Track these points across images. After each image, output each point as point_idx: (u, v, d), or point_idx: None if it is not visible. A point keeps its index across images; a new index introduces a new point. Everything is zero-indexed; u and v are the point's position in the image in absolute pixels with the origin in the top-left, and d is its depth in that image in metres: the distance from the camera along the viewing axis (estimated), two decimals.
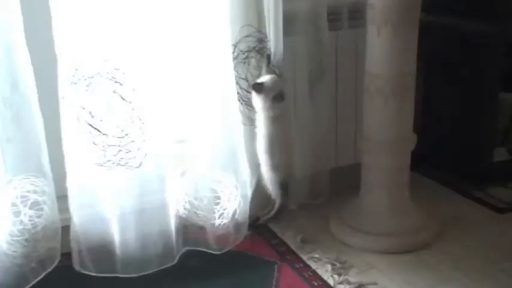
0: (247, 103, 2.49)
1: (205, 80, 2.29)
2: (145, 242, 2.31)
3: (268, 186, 2.53)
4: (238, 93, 2.43)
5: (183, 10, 2.22)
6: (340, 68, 2.78)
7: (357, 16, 2.74)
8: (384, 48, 2.37)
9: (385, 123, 2.45)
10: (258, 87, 2.38)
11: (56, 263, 2.27)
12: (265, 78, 2.42)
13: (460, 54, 2.88)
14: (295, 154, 2.55)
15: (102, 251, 2.28)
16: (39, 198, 2.18)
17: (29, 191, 2.15)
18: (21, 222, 2.16)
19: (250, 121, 2.51)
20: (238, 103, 2.42)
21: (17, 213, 2.15)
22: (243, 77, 2.47)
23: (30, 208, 2.17)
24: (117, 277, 2.28)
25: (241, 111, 2.45)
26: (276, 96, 2.39)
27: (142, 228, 2.31)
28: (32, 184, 2.15)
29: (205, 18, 2.24)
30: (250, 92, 2.46)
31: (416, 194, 2.66)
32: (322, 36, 2.61)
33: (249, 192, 2.48)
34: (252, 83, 2.45)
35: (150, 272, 2.29)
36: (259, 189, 2.55)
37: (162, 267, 2.31)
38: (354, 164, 2.76)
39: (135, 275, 2.28)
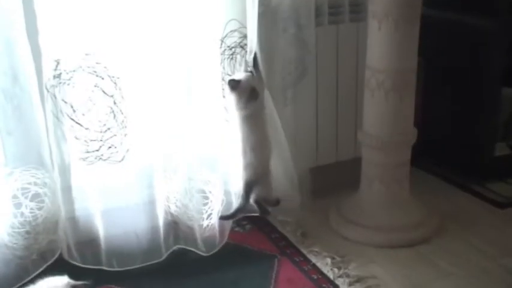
0: None
1: (190, 75, 2.28)
2: (129, 237, 2.32)
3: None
4: (224, 89, 2.40)
5: (167, 2, 2.19)
6: (341, 62, 2.78)
7: (358, 9, 2.73)
8: (385, 43, 2.36)
9: (385, 118, 2.45)
10: (234, 84, 2.32)
11: (56, 255, 2.29)
12: (241, 75, 2.38)
13: (461, 49, 2.88)
14: (269, 153, 2.48)
15: (88, 244, 2.30)
16: (40, 190, 2.19)
17: (29, 183, 2.16)
18: (22, 214, 2.17)
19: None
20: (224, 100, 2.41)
21: (18, 205, 2.16)
22: (229, 73, 2.43)
23: (31, 200, 2.18)
24: (116, 272, 2.29)
25: (226, 109, 2.42)
26: (250, 94, 2.34)
27: (127, 223, 2.32)
28: (33, 176, 2.16)
29: (191, 11, 2.22)
30: None
31: (416, 188, 2.66)
32: (305, 34, 2.57)
33: (232, 191, 2.46)
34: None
35: (136, 266, 2.31)
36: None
37: (148, 263, 2.32)
38: (354, 159, 2.76)
39: (121, 269, 2.29)
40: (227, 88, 2.34)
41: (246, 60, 2.42)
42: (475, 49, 2.82)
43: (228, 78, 2.36)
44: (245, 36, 2.41)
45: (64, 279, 1.90)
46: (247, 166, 2.41)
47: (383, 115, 2.45)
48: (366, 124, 2.53)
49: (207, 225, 2.38)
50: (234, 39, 2.42)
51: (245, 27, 2.40)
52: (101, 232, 2.29)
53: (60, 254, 2.30)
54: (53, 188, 2.22)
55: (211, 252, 2.40)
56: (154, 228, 2.35)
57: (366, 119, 2.53)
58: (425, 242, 2.50)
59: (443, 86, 3.00)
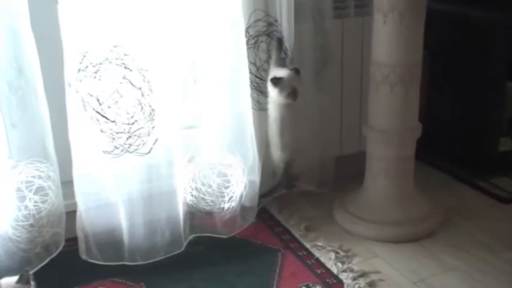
0: (255, 88, 2.50)
1: (216, 64, 2.29)
2: (153, 229, 2.32)
3: (275, 165, 2.58)
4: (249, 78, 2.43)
5: None
6: (346, 56, 2.77)
7: (363, 4, 2.73)
8: (390, 37, 2.36)
9: (390, 112, 2.44)
10: (276, 81, 2.40)
11: (60, 248, 2.28)
12: (283, 73, 2.42)
13: (467, 43, 2.87)
14: (304, 138, 2.58)
15: (109, 238, 2.29)
16: (44, 184, 2.18)
17: (34, 176, 2.16)
18: (26, 207, 2.17)
19: (258, 105, 2.52)
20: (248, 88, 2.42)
21: (21, 198, 2.16)
22: (252, 61, 2.47)
23: (35, 193, 2.18)
24: (123, 265, 2.28)
25: (251, 96, 2.44)
26: (290, 93, 2.41)
27: (150, 214, 2.31)
28: (37, 169, 2.16)
29: (217, 2, 2.23)
30: (258, 77, 2.48)
31: (420, 183, 2.66)
32: (326, 24, 2.60)
33: (256, 178, 2.47)
34: (259, 66, 2.47)
35: (158, 259, 2.30)
36: (264, 170, 2.56)
37: (169, 255, 2.32)
38: (359, 153, 2.76)
39: (142, 263, 2.29)
40: (269, 84, 2.42)
41: (282, 47, 2.46)
42: (480, 43, 2.81)
43: (271, 76, 2.43)
44: (270, 24, 2.45)
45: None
46: (286, 146, 2.51)
47: (388, 109, 2.44)
48: (370, 118, 2.53)
49: (228, 208, 2.39)
50: (258, 27, 2.45)
51: (270, 16, 2.45)
52: (123, 225, 2.27)
53: (64, 247, 2.29)
54: (57, 181, 2.22)
55: (231, 235, 2.42)
56: (174, 218, 2.34)
57: (371, 113, 2.52)
58: (429, 236, 2.50)
59: (448, 80, 3.00)
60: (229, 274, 2.27)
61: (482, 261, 2.34)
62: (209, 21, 2.24)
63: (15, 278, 1.87)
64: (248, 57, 2.41)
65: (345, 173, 2.79)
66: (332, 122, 2.84)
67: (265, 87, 2.48)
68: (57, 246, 2.28)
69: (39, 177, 2.17)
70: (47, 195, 2.20)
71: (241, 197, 2.42)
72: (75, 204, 2.25)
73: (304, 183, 2.70)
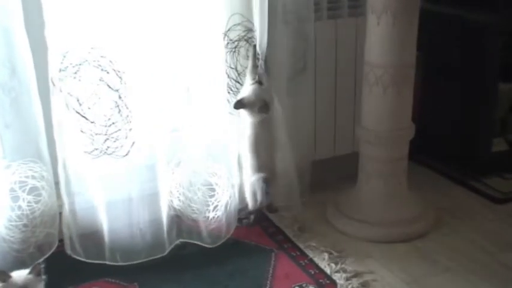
0: (235, 93, 2.46)
1: (195, 69, 2.28)
2: (134, 231, 2.32)
3: (249, 187, 2.50)
4: (227, 83, 2.41)
5: None
6: (340, 56, 2.77)
7: (356, 4, 2.73)
8: (384, 38, 2.36)
9: (383, 113, 2.45)
10: (239, 105, 2.36)
11: (53, 249, 2.28)
12: (246, 91, 2.38)
13: (460, 44, 2.88)
14: (277, 154, 2.52)
15: (92, 238, 2.30)
16: (38, 184, 2.18)
17: (27, 176, 2.16)
18: (20, 207, 2.17)
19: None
20: (226, 92, 2.40)
21: (15, 199, 2.16)
22: (232, 66, 2.44)
23: (29, 193, 2.18)
24: (116, 265, 2.29)
25: (229, 101, 2.42)
26: (261, 108, 2.36)
27: (132, 217, 2.32)
28: (30, 169, 2.16)
29: (195, 5, 2.21)
30: (239, 82, 2.44)
31: (413, 183, 2.67)
32: (306, 27, 2.58)
33: (236, 184, 2.47)
34: (240, 71, 2.43)
35: (140, 261, 2.30)
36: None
37: (151, 258, 2.32)
38: (352, 153, 2.76)
39: (125, 264, 2.29)
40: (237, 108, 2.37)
41: (256, 54, 2.42)
42: (472, 44, 2.82)
43: (233, 100, 2.39)
44: (249, 30, 2.41)
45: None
46: (262, 167, 2.45)
47: (381, 110, 2.45)
48: (364, 119, 2.53)
49: (213, 217, 2.38)
50: (238, 32, 2.42)
51: (249, 21, 2.40)
52: (105, 225, 2.28)
53: (57, 247, 2.29)
54: (50, 182, 2.22)
55: (217, 244, 2.40)
56: (157, 222, 2.34)
57: (364, 114, 2.53)
58: (422, 236, 2.51)
59: (442, 81, 3.00)
60: (222, 275, 2.28)
61: (475, 261, 2.35)
62: (187, 25, 2.22)
63: (26, 271, 1.92)
64: (228, 61, 2.40)
65: (339, 174, 2.80)
66: (326, 123, 2.84)
67: None
68: (51, 246, 2.28)
69: (33, 177, 2.17)
70: (40, 195, 2.20)
71: (226, 206, 2.40)
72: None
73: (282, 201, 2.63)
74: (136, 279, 2.24)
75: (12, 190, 2.15)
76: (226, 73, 2.40)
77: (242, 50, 2.43)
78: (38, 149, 2.16)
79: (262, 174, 2.45)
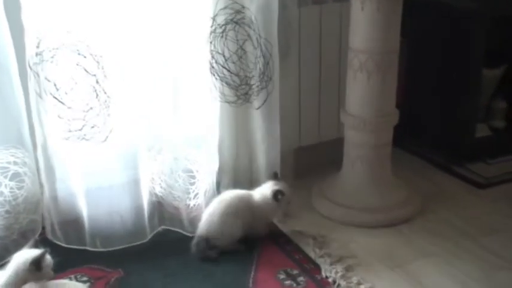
0: (221, 78, 2.40)
1: (177, 54, 2.25)
2: (114, 218, 2.32)
3: None
4: (213, 67, 2.38)
5: None
6: (324, 42, 2.76)
7: None
8: (368, 23, 2.36)
9: (368, 99, 2.45)
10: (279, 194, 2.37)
11: (37, 235, 2.27)
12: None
13: (444, 30, 2.88)
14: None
15: (73, 224, 2.30)
16: (20, 170, 2.17)
17: (9, 162, 2.14)
18: (2, 193, 2.16)
19: (223, 97, 2.43)
20: (213, 78, 2.38)
21: None
22: (220, 51, 2.38)
23: (11, 180, 2.16)
24: (99, 251, 2.30)
25: (215, 87, 2.40)
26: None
27: (112, 203, 2.31)
28: (12, 155, 2.14)
29: None
30: (226, 68, 2.39)
31: (397, 169, 2.68)
32: (290, 13, 2.56)
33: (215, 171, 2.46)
34: (228, 57, 2.38)
35: (122, 247, 2.31)
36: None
37: (132, 244, 2.33)
38: (337, 139, 2.77)
39: (108, 250, 2.29)
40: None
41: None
42: (457, 30, 2.82)
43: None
44: (237, 12, 2.34)
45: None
46: None
47: (365, 96, 2.45)
48: (348, 105, 2.53)
49: (194, 205, 2.37)
50: (225, 16, 2.34)
51: (236, 2, 2.33)
52: (85, 212, 2.28)
53: (41, 234, 2.28)
54: (33, 168, 2.20)
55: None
56: (138, 209, 2.34)
57: (349, 99, 2.53)
58: (406, 222, 2.52)
59: (426, 67, 3.01)
60: (206, 261, 2.27)
61: (458, 246, 2.36)
62: (168, 7, 2.19)
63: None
64: (215, 46, 2.36)
65: (323, 160, 2.80)
66: (310, 109, 2.83)
67: (232, 80, 2.41)
68: (34, 233, 2.27)
69: (15, 163, 2.15)
70: (23, 181, 2.19)
71: (205, 193, 2.39)
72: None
73: None
74: (120, 265, 2.23)
75: None
76: (214, 58, 2.36)
77: (231, 34, 2.37)
78: (20, 134, 2.15)
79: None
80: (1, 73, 2.06)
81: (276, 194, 2.35)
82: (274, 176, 2.43)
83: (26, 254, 1.91)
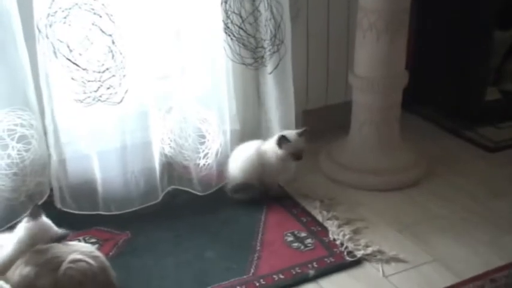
0: (238, 40, 2.40)
1: (190, 12, 2.23)
2: (127, 180, 2.31)
3: None
4: (229, 28, 2.36)
5: None
6: (332, 2, 2.73)
7: None
8: None
9: (377, 60, 2.42)
10: (282, 142, 2.34)
11: (45, 198, 2.28)
12: (292, 135, 2.36)
13: None
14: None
15: (84, 188, 2.29)
16: (27, 132, 2.16)
17: (16, 124, 2.13)
18: (9, 155, 2.15)
19: (240, 58, 2.43)
20: (228, 38, 2.36)
21: (4, 147, 2.14)
22: (237, 12, 2.35)
23: (18, 142, 2.15)
24: (108, 214, 2.29)
25: (231, 47, 2.39)
26: (293, 155, 2.36)
27: (125, 165, 2.30)
28: (19, 117, 2.13)
29: None
30: (243, 29, 2.38)
31: (406, 132, 2.66)
32: None
33: (237, 126, 2.46)
34: (245, 18, 2.36)
35: (133, 209, 2.31)
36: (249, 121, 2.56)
37: (145, 205, 2.33)
38: (344, 103, 2.74)
39: (118, 213, 2.29)
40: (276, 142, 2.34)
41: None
42: None
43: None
44: None
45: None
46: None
47: (374, 57, 2.42)
48: (357, 66, 2.50)
49: (204, 165, 2.37)
50: None
51: None
52: (98, 175, 2.27)
53: (49, 196, 2.29)
54: (39, 130, 2.19)
55: (207, 192, 2.40)
56: (150, 169, 2.33)
57: (357, 61, 2.50)
58: (414, 185, 2.51)
59: (437, 28, 2.96)
60: (214, 223, 2.28)
61: (466, 209, 2.36)
62: None
63: None
64: (231, 6, 2.33)
65: (331, 123, 2.78)
66: (318, 72, 2.81)
67: (249, 41, 2.40)
68: (42, 195, 2.28)
69: (22, 125, 2.14)
70: (30, 143, 2.18)
71: (217, 154, 2.39)
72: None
73: None
74: (128, 227, 2.24)
75: (1, 138, 2.13)
76: (230, 18, 2.33)
77: None
78: (26, 97, 2.13)
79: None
80: (6, 35, 2.03)
81: (280, 140, 2.33)
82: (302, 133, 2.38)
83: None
